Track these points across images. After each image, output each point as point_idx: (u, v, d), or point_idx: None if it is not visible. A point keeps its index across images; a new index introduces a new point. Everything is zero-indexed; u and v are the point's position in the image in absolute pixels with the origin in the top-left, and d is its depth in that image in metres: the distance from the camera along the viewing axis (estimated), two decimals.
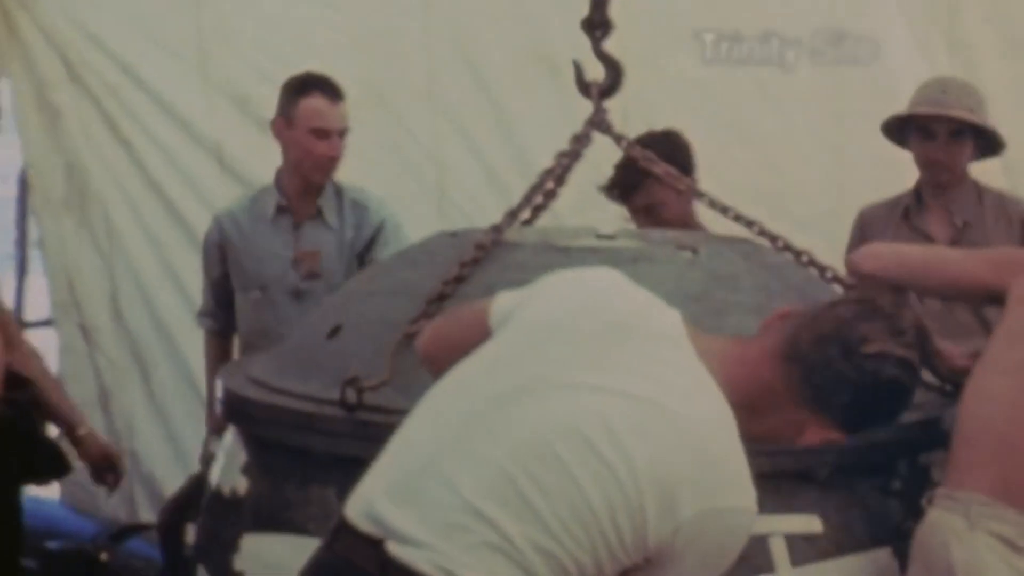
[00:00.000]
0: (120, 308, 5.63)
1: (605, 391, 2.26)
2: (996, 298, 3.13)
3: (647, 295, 2.46)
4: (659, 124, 5.59)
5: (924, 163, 4.52)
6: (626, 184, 4.47)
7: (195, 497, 4.12)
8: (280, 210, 4.63)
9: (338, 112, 4.55)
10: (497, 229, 3.28)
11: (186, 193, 5.47)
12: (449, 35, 5.67)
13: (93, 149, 5.54)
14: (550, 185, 3.48)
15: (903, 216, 4.57)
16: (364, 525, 2.29)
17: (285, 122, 4.56)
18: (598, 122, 3.51)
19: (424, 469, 2.28)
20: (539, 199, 3.50)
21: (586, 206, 4.67)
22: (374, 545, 2.26)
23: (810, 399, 2.35)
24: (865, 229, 4.66)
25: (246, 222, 4.67)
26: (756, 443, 2.33)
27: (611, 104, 3.58)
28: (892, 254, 3.41)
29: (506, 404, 2.29)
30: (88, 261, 5.63)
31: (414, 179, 5.73)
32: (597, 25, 3.48)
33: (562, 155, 3.48)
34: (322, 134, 4.51)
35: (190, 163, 5.56)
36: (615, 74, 3.51)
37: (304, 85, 4.56)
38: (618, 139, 3.54)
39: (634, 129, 5.28)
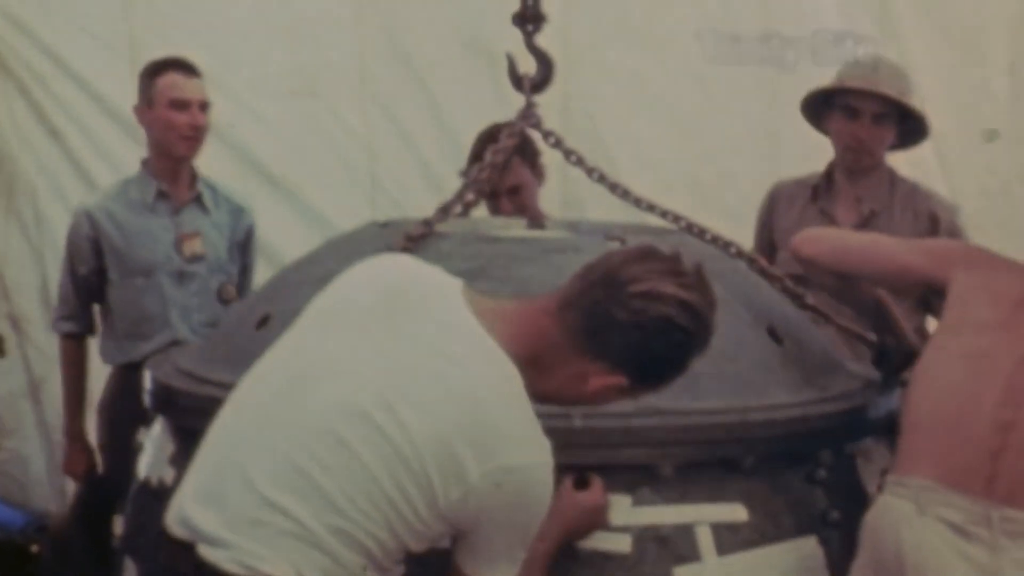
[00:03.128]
0: (50, 298, 5.57)
1: (382, 366, 2.29)
2: (933, 289, 3.15)
3: (431, 267, 2.48)
4: (598, 115, 5.63)
5: (846, 144, 4.37)
6: None
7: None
8: (160, 195, 4.65)
9: (195, 85, 4.59)
10: (428, 223, 3.28)
11: None
12: (381, 24, 5.67)
13: (21, 138, 5.50)
14: (483, 177, 3.48)
15: (811, 197, 4.47)
16: (178, 530, 2.32)
17: (145, 105, 4.60)
18: (528, 116, 3.51)
19: (224, 467, 2.32)
20: (471, 195, 3.50)
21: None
22: (188, 550, 2.28)
23: (585, 344, 2.35)
24: (773, 204, 4.59)
25: (120, 211, 4.66)
26: (545, 400, 2.35)
27: (552, 95, 3.58)
28: (833, 239, 3.41)
29: (292, 393, 2.33)
30: (17, 251, 5.60)
31: (346, 168, 5.73)
32: (529, 19, 3.47)
33: (495, 150, 3.48)
34: (181, 104, 4.55)
35: (120, 153, 5.51)
36: (547, 68, 3.50)
37: (158, 67, 4.60)
38: (546, 135, 3.53)
39: (575, 120, 5.35)
